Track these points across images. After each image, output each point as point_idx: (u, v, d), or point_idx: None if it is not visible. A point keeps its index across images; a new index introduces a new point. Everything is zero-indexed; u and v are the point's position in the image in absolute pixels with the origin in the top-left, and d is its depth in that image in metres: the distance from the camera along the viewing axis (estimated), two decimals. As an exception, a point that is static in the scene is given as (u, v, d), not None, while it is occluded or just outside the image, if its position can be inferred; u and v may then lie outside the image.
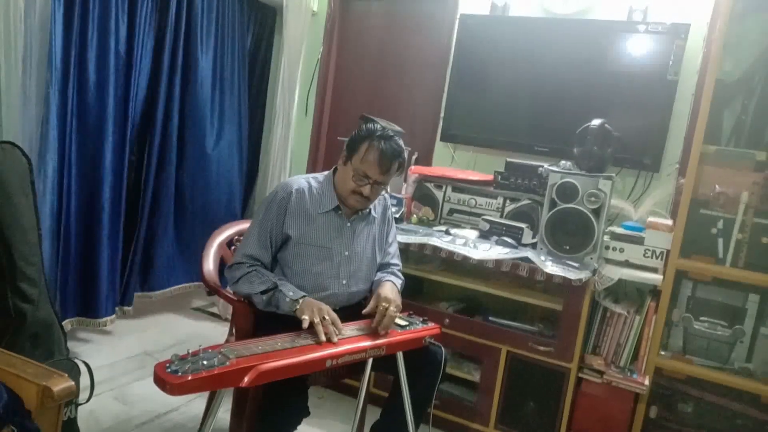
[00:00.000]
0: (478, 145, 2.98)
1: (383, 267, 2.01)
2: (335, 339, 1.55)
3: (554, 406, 2.25)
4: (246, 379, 1.33)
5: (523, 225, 2.41)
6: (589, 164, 2.28)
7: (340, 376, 2.07)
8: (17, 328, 1.61)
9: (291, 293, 1.69)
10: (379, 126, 1.85)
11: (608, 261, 2.30)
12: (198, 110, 3.16)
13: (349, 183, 1.80)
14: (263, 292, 1.73)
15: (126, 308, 2.93)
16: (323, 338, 1.53)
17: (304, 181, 1.88)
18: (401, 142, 1.83)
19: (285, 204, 1.81)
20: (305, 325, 1.55)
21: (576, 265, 2.18)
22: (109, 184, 2.70)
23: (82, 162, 2.61)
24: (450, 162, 3.07)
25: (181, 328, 3.19)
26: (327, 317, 1.59)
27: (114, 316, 2.81)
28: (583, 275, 2.11)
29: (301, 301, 1.66)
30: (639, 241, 2.26)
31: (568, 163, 2.41)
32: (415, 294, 2.55)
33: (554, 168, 2.35)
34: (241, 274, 1.78)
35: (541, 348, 2.23)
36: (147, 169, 2.97)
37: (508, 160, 2.61)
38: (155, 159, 2.99)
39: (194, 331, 3.19)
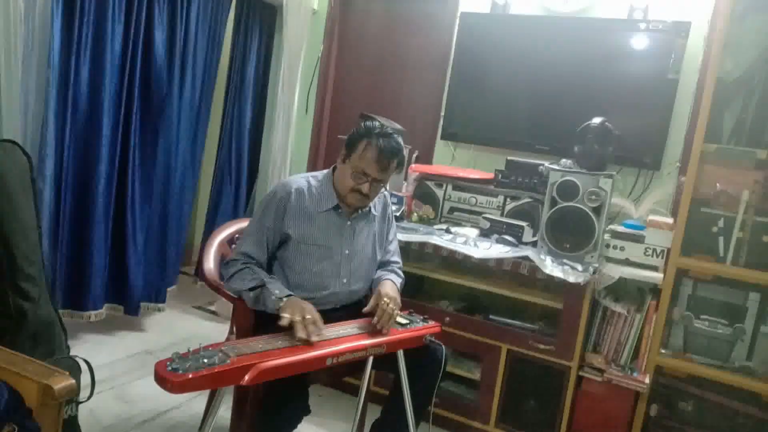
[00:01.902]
0: (479, 143, 2.98)
1: (383, 265, 2.01)
2: (314, 339, 1.49)
3: (555, 405, 2.25)
4: (246, 377, 1.33)
5: (523, 223, 2.42)
6: (590, 162, 2.27)
7: (340, 375, 2.07)
8: (18, 326, 1.61)
9: (277, 291, 1.65)
10: (377, 123, 1.84)
11: (609, 259, 2.30)
12: (193, 109, 3.16)
13: (348, 181, 1.79)
14: (251, 289, 1.70)
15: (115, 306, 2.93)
16: (302, 335, 1.48)
17: (303, 180, 1.88)
18: (400, 140, 1.82)
19: (284, 204, 1.81)
20: (284, 322, 1.51)
21: (576, 265, 2.18)
22: (104, 183, 2.70)
23: (78, 161, 2.61)
24: (450, 160, 3.07)
25: (182, 327, 3.19)
26: (309, 317, 1.54)
27: (102, 310, 2.81)
28: (581, 279, 2.10)
29: (285, 299, 1.62)
30: (639, 239, 2.26)
31: (569, 162, 2.41)
32: (416, 292, 2.55)
33: (555, 166, 2.34)
34: (235, 271, 1.76)
35: (542, 346, 2.23)
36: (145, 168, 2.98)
37: (509, 158, 2.61)
38: (154, 158, 3.00)
39: (195, 329, 3.19)
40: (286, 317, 1.52)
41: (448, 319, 2.37)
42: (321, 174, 1.92)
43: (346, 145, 1.82)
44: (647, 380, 2.18)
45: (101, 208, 2.71)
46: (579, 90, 2.70)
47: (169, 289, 3.20)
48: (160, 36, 2.86)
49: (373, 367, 1.77)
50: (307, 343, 1.48)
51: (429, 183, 2.70)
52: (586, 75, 2.69)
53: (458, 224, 2.61)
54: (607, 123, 2.30)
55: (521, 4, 2.88)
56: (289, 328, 1.53)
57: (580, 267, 2.15)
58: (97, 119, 2.63)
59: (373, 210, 1.96)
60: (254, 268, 1.76)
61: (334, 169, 1.90)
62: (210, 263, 2.00)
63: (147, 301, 3.04)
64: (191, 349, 1.33)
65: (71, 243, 2.67)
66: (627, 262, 2.27)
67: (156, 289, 3.08)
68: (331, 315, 1.82)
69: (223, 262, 1.90)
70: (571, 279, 2.10)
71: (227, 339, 1.93)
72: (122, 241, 2.87)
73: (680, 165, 2.53)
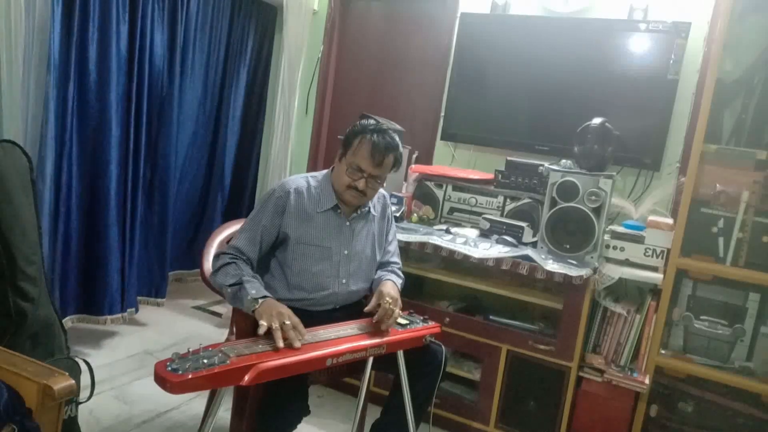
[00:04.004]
0: (479, 143, 2.98)
1: (383, 265, 2.01)
2: (297, 344, 1.44)
3: (554, 405, 2.25)
4: (246, 377, 1.33)
5: (523, 224, 2.42)
6: (590, 163, 2.28)
7: (340, 375, 2.07)
8: (18, 327, 1.61)
9: (253, 291, 1.60)
10: (372, 121, 1.85)
11: (609, 260, 2.30)
12: (187, 107, 3.16)
13: (344, 178, 1.79)
14: (231, 285, 1.66)
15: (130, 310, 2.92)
16: (281, 344, 1.42)
17: (302, 180, 1.88)
18: (396, 137, 1.82)
19: (283, 203, 1.80)
20: (262, 331, 1.46)
21: (576, 263, 2.18)
22: (114, 183, 2.70)
23: (83, 161, 2.61)
24: (450, 161, 3.07)
25: (182, 327, 3.19)
26: (287, 322, 1.48)
27: (119, 315, 2.80)
28: (584, 272, 2.11)
29: (261, 301, 1.57)
30: (639, 240, 2.26)
31: (569, 162, 2.41)
32: (416, 293, 2.55)
33: (555, 167, 2.35)
34: (221, 264, 1.73)
35: (542, 347, 2.23)
36: (152, 168, 3.00)
37: (509, 158, 2.61)
38: (157, 157, 3.00)
39: (194, 330, 3.19)
40: (263, 325, 1.47)
41: (448, 319, 2.37)
42: (320, 174, 1.92)
43: (343, 144, 1.83)
44: (647, 381, 2.17)
45: (113, 209, 2.72)
46: (579, 90, 2.70)
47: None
48: (159, 37, 2.86)
49: (372, 368, 1.77)
50: (290, 348, 1.43)
51: (429, 183, 2.70)
52: (586, 75, 2.69)
53: (458, 225, 2.61)
54: (607, 123, 2.30)
55: (521, 4, 2.88)
56: (269, 335, 1.48)
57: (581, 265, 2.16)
58: (106, 119, 2.63)
59: (372, 210, 1.95)
60: (240, 264, 1.72)
61: (332, 170, 1.90)
62: (210, 263, 1.99)
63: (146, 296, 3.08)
64: (191, 350, 1.33)
65: (78, 245, 2.67)
66: (627, 263, 2.27)
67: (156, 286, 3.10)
68: (331, 316, 1.83)
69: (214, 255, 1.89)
70: (573, 273, 2.11)
71: (227, 339, 1.93)
72: (131, 242, 2.89)
73: (680, 165, 2.53)
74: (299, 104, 3.39)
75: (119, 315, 2.80)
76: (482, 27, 2.92)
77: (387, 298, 1.70)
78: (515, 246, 2.34)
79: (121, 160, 2.73)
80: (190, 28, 3.03)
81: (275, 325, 1.47)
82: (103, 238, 2.70)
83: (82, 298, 2.72)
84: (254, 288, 1.63)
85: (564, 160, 2.45)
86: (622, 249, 2.29)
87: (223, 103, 3.51)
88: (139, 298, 3.03)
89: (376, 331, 1.66)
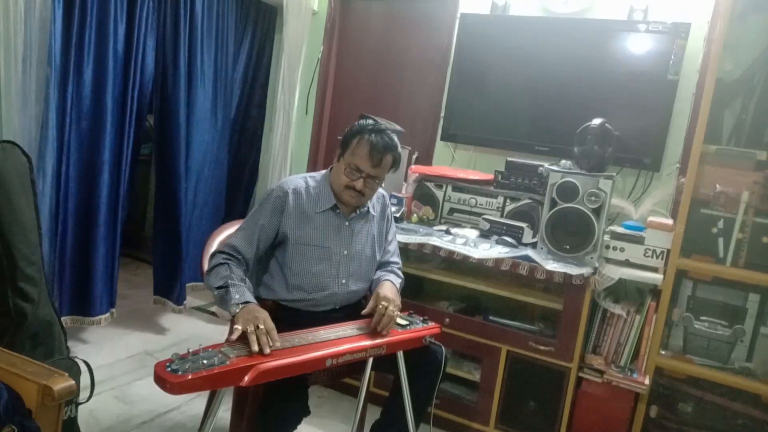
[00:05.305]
0: (479, 144, 2.98)
1: (383, 265, 2.00)
2: (267, 350, 1.41)
3: (554, 406, 2.25)
4: (246, 378, 1.33)
5: (523, 224, 2.42)
6: (590, 164, 2.28)
7: (340, 376, 2.07)
8: (17, 327, 1.61)
9: (237, 296, 1.59)
10: (371, 121, 1.85)
11: (608, 260, 2.29)
12: (198, 109, 3.15)
13: (342, 178, 1.79)
14: (218, 288, 1.65)
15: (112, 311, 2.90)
16: (255, 348, 1.40)
17: (301, 180, 1.88)
18: (395, 137, 1.82)
19: (281, 204, 1.81)
20: (235, 336, 1.44)
21: (576, 264, 2.19)
22: (107, 184, 2.70)
23: (80, 161, 2.61)
24: (450, 161, 3.07)
25: (181, 328, 3.19)
26: (261, 326, 1.46)
27: (109, 314, 2.80)
28: (584, 271, 2.11)
29: (242, 306, 1.56)
30: (639, 240, 2.26)
31: (569, 163, 2.41)
32: (416, 293, 2.55)
33: (554, 167, 2.35)
34: (215, 264, 1.72)
35: (542, 347, 2.23)
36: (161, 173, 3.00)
37: (509, 159, 2.61)
38: (158, 157, 3.00)
39: (194, 330, 3.19)
40: (237, 329, 1.46)
41: (447, 320, 2.37)
42: (319, 174, 1.92)
43: (341, 144, 1.83)
44: (647, 381, 2.17)
45: (104, 210, 2.71)
46: (579, 91, 2.70)
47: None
48: (158, 39, 2.85)
49: (372, 369, 1.77)
50: (261, 354, 1.41)
51: (429, 184, 2.70)
52: (585, 76, 2.69)
53: (458, 225, 2.60)
54: (606, 124, 2.30)
55: (521, 4, 2.87)
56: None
57: (581, 266, 2.16)
58: (101, 120, 2.63)
59: (371, 210, 1.95)
60: (232, 265, 1.71)
61: (331, 170, 1.90)
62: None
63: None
64: (191, 350, 1.33)
65: (73, 245, 2.66)
66: (627, 263, 2.27)
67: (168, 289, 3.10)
68: (330, 316, 1.83)
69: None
70: (574, 272, 2.11)
71: (227, 340, 1.92)
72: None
73: (680, 166, 2.53)
74: (299, 104, 3.39)
75: (108, 314, 2.79)
76: (482, 27, 2.92)
77: (383, 302, 1.69)
78: (515, 247, 2.34)
79: (114, 161, 2.73)
80: (194, 29, 3.01)
81: (250, 329, 1.45)
82: (94, 238, 2.70)
83: (74, 298, 2.71)
84: (238, 293, 1.61)
85: (564, 161, 2.45)
86: (622, 249, 2.29)
87: (223, 103, 3.51)
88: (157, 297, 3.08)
89: (375, 331, 1.66)
